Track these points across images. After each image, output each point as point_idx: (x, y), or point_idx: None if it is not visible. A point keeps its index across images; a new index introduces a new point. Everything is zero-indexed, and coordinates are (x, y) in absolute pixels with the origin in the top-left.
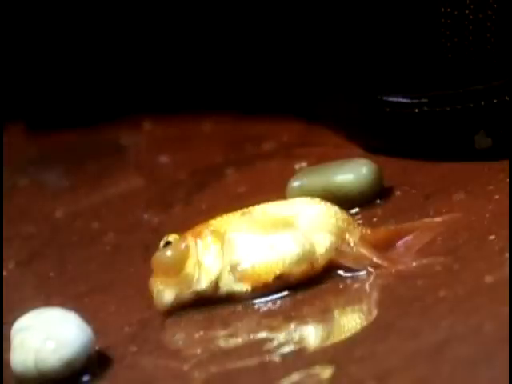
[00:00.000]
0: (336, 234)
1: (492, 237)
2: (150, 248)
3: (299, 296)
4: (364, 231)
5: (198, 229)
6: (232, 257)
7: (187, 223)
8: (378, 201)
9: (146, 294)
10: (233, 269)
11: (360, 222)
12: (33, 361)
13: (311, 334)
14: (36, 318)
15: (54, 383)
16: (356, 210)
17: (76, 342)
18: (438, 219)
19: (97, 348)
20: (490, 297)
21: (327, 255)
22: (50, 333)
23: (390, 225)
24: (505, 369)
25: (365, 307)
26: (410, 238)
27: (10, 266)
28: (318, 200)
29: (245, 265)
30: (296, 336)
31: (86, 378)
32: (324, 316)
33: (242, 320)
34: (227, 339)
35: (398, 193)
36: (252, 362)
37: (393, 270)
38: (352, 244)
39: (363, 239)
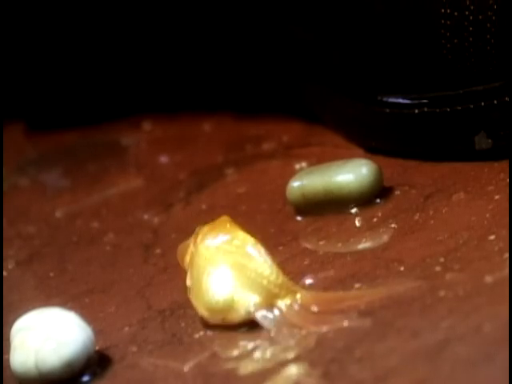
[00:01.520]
0: (263, 297)
1: (492, 237)
2: (150, 248)
3: None
4: (301, 296)
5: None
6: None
7: (187, 223)
8: (378, 201)
9: (146, 294)
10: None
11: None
12: (33, 361)
13: (311, 334)
14: (36, 318)
15: (54, 383)
16: (356, 210)
17: (76, 342)
18: (382, 291)
19: (97, 348)
20: (489, 297)
21: (243, 315)
22: (49, 333)
23: (335, 291)
24: (505, 369)
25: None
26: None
27: (9, 266)
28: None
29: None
30: (296, 336)
31: (86, 378)
32: (323, 317)
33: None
34: (227, 340)
35: (397, 193)
36: (252, 362)
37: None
38: (281, 308)
39: (300, 303)
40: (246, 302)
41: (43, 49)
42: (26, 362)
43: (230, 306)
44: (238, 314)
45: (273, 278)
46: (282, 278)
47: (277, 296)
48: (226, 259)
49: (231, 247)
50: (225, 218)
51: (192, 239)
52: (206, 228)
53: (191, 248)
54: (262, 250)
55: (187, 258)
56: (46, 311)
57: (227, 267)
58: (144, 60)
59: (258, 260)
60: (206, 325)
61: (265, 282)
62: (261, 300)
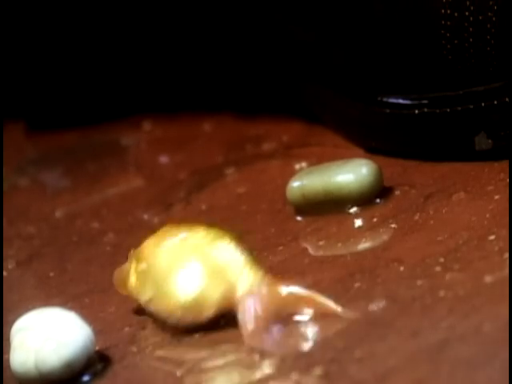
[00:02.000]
0: (228, 289)
1: (492, 237)
2: None
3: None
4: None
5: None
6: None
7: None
8: (378, 201)
9: None
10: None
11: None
12: (33, 361)
13: (311, 334)
14: (36, 318)
15: (54, 383)
16: (356, 210)
17: (76, 342)
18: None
19: (97, 348)
20: (489, 297)
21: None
22: (49, 333)
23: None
24: (505, 369)
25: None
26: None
27: (9, 266)
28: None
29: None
30: (296, 336)
31: (86, 378)
32: (323, 316)
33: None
34: (226, 340)
35: (397, 193)
36: (252, 362)
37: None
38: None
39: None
40: (215, 296)
41: (43, 49)
42: (26, 362)
43: (200, 302)
44: (208, 311)
45: (236, 267)
46: (246, 268)
47: (235, 288)
48: (192, 253)
49: (195, 240)
50: (169, 226)
51: (130, 262)
52: (152, 239)
53: (137, 267)
54: (228, 239)
55: (131, 280)
56: (46, 311)
57: (195, 261)
58: (144, 60)
59: (223, 250)
60: (175, 331)
61: (229, 272)
62: (226, 293)
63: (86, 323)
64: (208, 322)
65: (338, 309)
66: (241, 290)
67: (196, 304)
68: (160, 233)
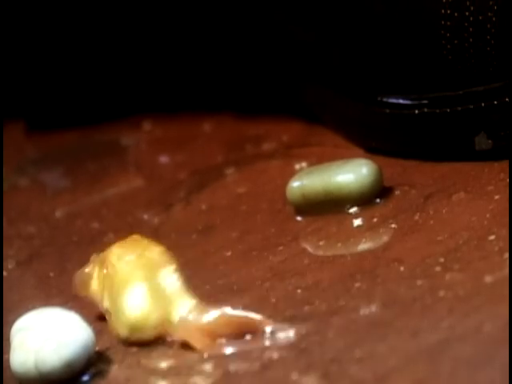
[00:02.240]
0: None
1: (492, 237)
2: None
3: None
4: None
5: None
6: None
7: (187, 223)
8: (378, 201)
9: None
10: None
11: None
12: (33, 361)
13: (311, 334)
14: (36, 318)
15: (54, 383)
16: (356, 209)
17: (76, 342)
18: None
19: (97, 348)
20: (489, 297)
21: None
22: (49, 333)
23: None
24: (505, 369)
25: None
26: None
27: (9, 266)
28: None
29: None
30: (296, 336)
31: (86, 378)
32: (324, 317)
33: None
34: (226, 340)
35: (397, 193)
36: (252, 362)
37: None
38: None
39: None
40: (154, 319)
41: (43, 49)
42: (26, 362)
43: (142, 323)
44: (149, 333)
45: (174, 294)
46: (183, 296)
47: (170, 311)
48: (140, 274)
49: (148, 260)
50: (136, 237)
51: (94, 265)
52: (117, 247)
53: (100, 273)
54: (171, 263)
55: (93, 284)
56: (46, 311)
57: (141, 282)
58: (144, 60)
59: (167, 275)
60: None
61: (167, 298)
62: (163, 318)
63: (86, 323)
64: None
65: (271, 327)
66: (176, 317)
67: (139, 325)
68: (126, 242)
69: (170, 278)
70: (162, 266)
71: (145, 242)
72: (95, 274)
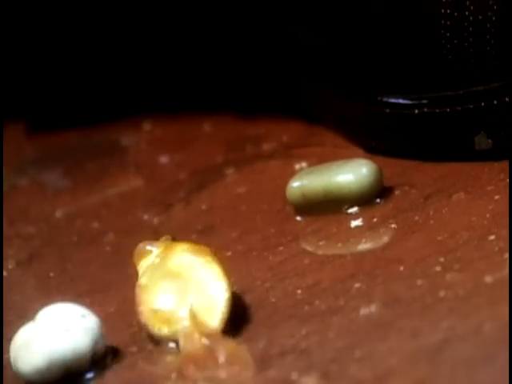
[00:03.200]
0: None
1: (492, 237)
2: None
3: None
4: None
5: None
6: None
7: (187, 223)
8: (378, 201)
9: None
10: None
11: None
12: (35, 360)
13: (311, 334)
14: (41, 316)
15: (56, 382)
16: (356, 210)
17: (77, 341)
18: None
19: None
20: (489, 297)
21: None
22: (53, 331)
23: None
24: (505, 369)
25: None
26: None
27: (9, 266)
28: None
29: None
30: (296, 336)
31: (86, 378)
32: (324, 317)
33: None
34: (226, 341)
35: (397, 193)
36: (252, 362)
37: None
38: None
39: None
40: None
41: (43, 49)
42: (29, 361)
43: (171, 319)
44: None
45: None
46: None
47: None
48: (179, 273)
49: (191, 267)
50: (205, 248)
51: (159, 246)
52: (182, 247)
53: (157, 255)
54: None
55: (145, 261)
56: (51, 308)
57: (178, 281)
58: (144, 60)
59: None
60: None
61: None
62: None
63: (91, 321)
64: None
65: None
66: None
67: (168, 319)
68: (196, 246)
69: (221, 294)
70: (218, 280)
71: (213, 256)
72: (152, 254)
